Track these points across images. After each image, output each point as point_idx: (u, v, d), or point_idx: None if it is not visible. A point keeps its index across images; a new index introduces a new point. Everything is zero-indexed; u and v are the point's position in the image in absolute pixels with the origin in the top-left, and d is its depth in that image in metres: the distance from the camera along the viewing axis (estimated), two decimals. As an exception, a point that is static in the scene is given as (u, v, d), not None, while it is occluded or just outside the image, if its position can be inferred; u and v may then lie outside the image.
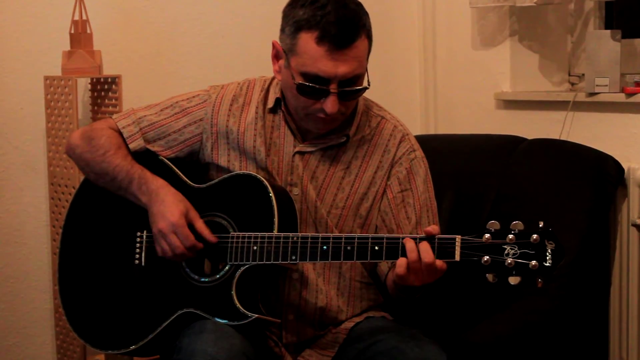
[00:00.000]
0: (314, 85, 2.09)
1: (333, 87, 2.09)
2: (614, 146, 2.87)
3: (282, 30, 2.15)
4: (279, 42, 2.17)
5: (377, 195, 2.26)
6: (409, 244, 1.99)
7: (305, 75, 2.10)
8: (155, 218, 2.17)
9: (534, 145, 2.91)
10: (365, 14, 2.13)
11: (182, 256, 2.15)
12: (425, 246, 1.98)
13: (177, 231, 2.13)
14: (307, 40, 2.08)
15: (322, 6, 2.07)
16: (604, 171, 2.75)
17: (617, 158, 2.78)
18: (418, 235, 2.02)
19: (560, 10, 3.25)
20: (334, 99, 2.10)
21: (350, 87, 2.11)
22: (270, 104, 2.26)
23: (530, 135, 2.98)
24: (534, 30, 3.28)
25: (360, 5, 2.14)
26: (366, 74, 2.16)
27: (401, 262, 2.00)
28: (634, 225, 2.78)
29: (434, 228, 2.00)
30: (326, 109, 2.11)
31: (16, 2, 2.87)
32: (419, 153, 2.30)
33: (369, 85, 2.17)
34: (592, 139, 2.93)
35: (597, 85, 2.95)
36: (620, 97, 2.90)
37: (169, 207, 2.15)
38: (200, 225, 2.16)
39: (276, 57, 2.20)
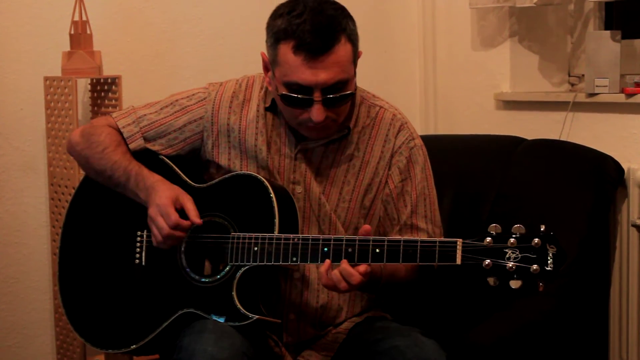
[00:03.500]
0: (296, 96, 2.09)
1: (317, 96, 2.09)
2: (614, 147, 2.87)
3: (266, 42, 2.15)
4: (265, 53, 2.18)
5: (380, 186, 2.27)
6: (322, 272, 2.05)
7: (287, 85, 2.10)
8: (148, 208, 2.18)
9: (534, 145, 2.92)
10: (346, 17, 2.11)
11: (170, 237, 2.14)
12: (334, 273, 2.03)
13: (161, 211, 2.13)
14: (286, 51, 2.08)
15: (299, 15, 2.07)
16: (603, 172, 2.75)
17: (617, 158, 2.78)
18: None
19: (560, 10, 3.25)
20: (318, 107, 2.09)
21: (335, 93, 2.10)
22: (268, 103, 2.27)
23: (530, 136, 2.98)
24: (533, 31, 3.28)
25: (341, 9, 2.12)
26: (354, 78, 2.15)
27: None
28: (634, 225, 2.78)
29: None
30: (312, 118, 2.11)
31: (16, 3, 2.87)
32: (418, 141, 2.30)
33: (354, 91, 2.17)
34: (592, 139, 2.93)
35: (597, 86, 2.95)
36: (620, 98, 2.90)
37: (159, 193, 2.16)
38: (189, 206, 2.15)
39: (265, 68, 2.20)
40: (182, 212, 2.15)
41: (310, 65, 2.06)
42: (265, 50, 2.18)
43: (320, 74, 2.07)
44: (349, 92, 2.13)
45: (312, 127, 2.15)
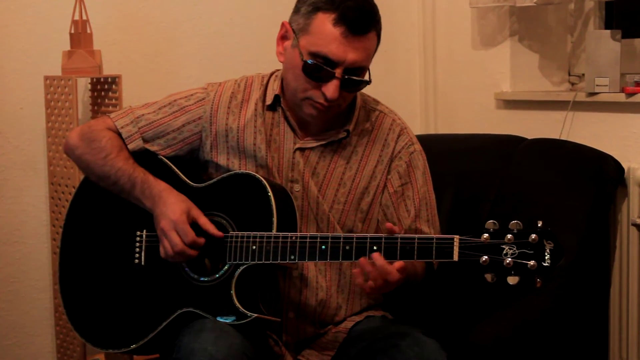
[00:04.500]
0: (321, 65, 2.10)
1: (338, 72, 2.10)
2: (614, 146, 2.87)
3: (297, 11, 2.16)
4: (289, 23, 2.18)
5: (378, 190, 2.27)
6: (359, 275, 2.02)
7: (314, 56, 2.11)
8: (158, 218, 2.17)
9: (534, 145, 2.92)
10: (379, 15, 2.16)
11: (182, 254, 2.14)
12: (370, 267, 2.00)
13: (177, 228, 2.13)
14: (324, 21, 2.09)
15: None
16: (604, 171, 2.75)
17: (617, 158, 2.79)
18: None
19: (560, 10, 3.25)
20: (336, 83, 2.11)
21: (354, 76, 2.12)
22: (269, 100, 2.27)
23: (530, 135, 2.98)
24: (534, 30, 3.28)
25: (376, 7, 2.17)
26: (368, 72, 2.17)
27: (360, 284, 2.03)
28: (634, 224, 2.78)
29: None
30: (327, 93, 2.11)
31: (16, 2, 2.87)
32: (418, 146, 2.31)
33: (370, 81, 2.17)
34: (592, 138, 2.93)
35: (597, 85, 2.95)
36: (620, 97, 2.90)
37: (170, 206, 2.15)
38: (204, 221, 2.16)
39: (283, 37, 2.20)
40: (193, 225, 2.15)
41: (344, 42, 2.09)
42: (288, 19, 2.18)
43: (350, 53, 2.09)
44: (365, 79, 2.15)
45: (318, 105, 2.15)
